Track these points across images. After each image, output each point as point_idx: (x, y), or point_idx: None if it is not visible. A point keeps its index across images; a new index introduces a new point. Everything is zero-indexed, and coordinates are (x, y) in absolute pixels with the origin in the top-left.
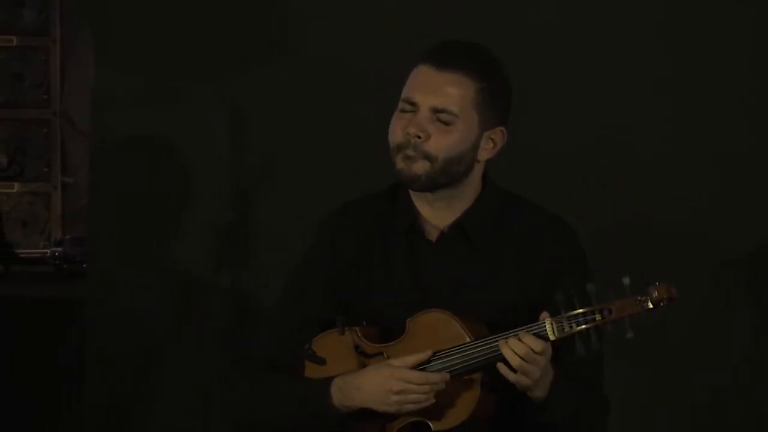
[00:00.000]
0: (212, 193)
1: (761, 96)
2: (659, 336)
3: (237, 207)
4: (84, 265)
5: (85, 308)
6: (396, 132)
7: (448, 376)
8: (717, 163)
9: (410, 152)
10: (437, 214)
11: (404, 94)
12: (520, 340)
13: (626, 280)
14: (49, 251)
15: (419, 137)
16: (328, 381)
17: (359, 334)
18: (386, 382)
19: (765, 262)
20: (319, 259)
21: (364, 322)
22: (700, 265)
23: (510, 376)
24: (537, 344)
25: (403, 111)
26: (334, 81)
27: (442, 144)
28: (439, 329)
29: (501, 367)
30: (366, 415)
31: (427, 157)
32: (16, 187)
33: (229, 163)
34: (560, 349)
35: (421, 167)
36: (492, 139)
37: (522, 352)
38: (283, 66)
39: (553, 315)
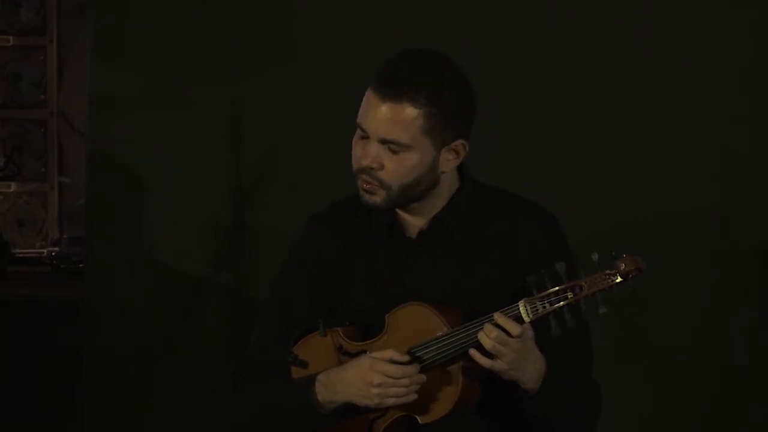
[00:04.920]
0: (212, 193)
1: (762, 95)
2: (659, 336)
3: (237, 207)
4: (81, 265)
5: (83, 308)
6: (354, 157)
7: (418, 368)
8: (717, 164)
9: (367, 180)
10: (413, 216)
11: (358, 118)
12: (496, 322)
13: (595, 256)
14: (45, 251)
15: (373, 168)
16: (312, 378)
17: (341, 335)
18: (366, 375)
19: (765, 262)
20: (305, 263)
21: (348, 323)
22: (700, 265)
23: (485, 362)
24: (512, 327)
25: (362, 137)
26: (334, 81)
27: (395, 173)
28: (418, 321)
29: (474, 353)
30: (354, 412)
31: (383, 185)
32: (13, 186)
33: (229, 163)
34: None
35: (378, 196)
36: (454, 150)
37: (493, 335)
38: (283, 66)
39: (526, 297)
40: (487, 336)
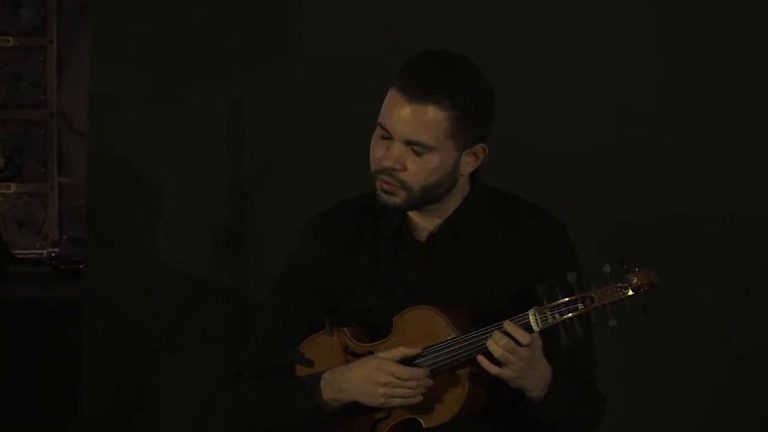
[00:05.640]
0: (212, 193)
1: (762, 95)
2: (659, 336)
3: (237, 207)
4: (81, 266)
5: (83, 309)
6: (375, 158)
7: (429, 371)
8: (717, 164)
9: (387, 181)
10: (425, 218)
11: (380, 118)
12: (505, 331)
13: (607, 268)
14: (45, 252)
15: (395, 169)
16: (317, 376)
17: (348, 335)
18: (373, 375)
19: (764, 263)
20: (305, 263)
21: (354, 323)
22: (700, 265)
23: (492, 369)
24: (522, 336)
25: (383, 137)
26: (334, 81)
27: (418, 175)
28: (426, 325)
29: (482, 359)
30: (357, 412)
31: (404, 186)
32: (13, 187)
33: (229, 163)
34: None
35: (398, 197)
36: (474, 154)
37: (502, 343)
38: (283, 66)
39: (533, 302)
40: (496, 344)
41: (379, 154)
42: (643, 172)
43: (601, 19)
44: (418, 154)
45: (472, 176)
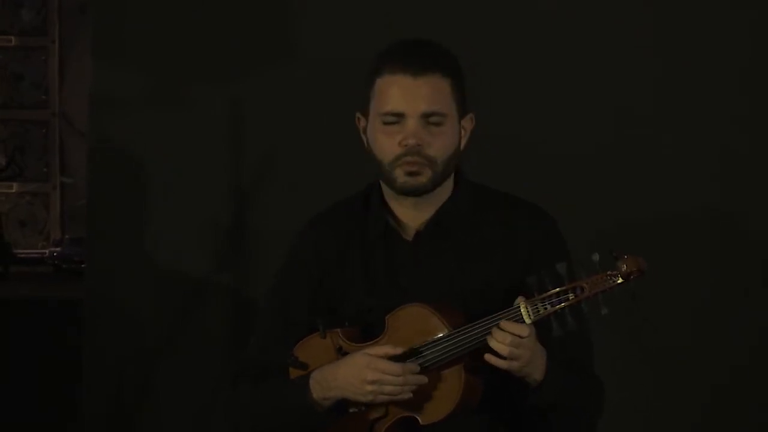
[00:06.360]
0: (212, 193)
1: (762, 95)
2: (659, 336)
3: (237, 207)
4: (82, 265)
5: (84, 308)
6: (390, 145)
7: (418, 368)
8: (717, 164)
9: (412, 161)
10: (415, 214)
11: (384, 108)
12: (502, 329)
13: (596, 257)
14: (47, 251)
15: (420, 145)
16: (307, 376)
17: (341, 336)
18: (361, 372)
19: (764, 263)
20: (302, 263)
21: (347, 323)
22: (700, 265)
23: (501, 364)
24: (521, 330)
25: (387, 124)
26: (334, 81)
27: (441, 146)
28: (418, 322)
29: (489, 358)
30: (354, 412)
31: (430, 162)
32: (15, 187)
33: (229, 163)
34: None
35: (425, 176)
36: (464, 127)
37: (508, 341)
38: (283, 66)
39: (526, 298)
40: (502, 343)
41: (397, 138)
42: (643, 172)
43: (601, 19)
44: (436, 124)
45: (456, 173)
